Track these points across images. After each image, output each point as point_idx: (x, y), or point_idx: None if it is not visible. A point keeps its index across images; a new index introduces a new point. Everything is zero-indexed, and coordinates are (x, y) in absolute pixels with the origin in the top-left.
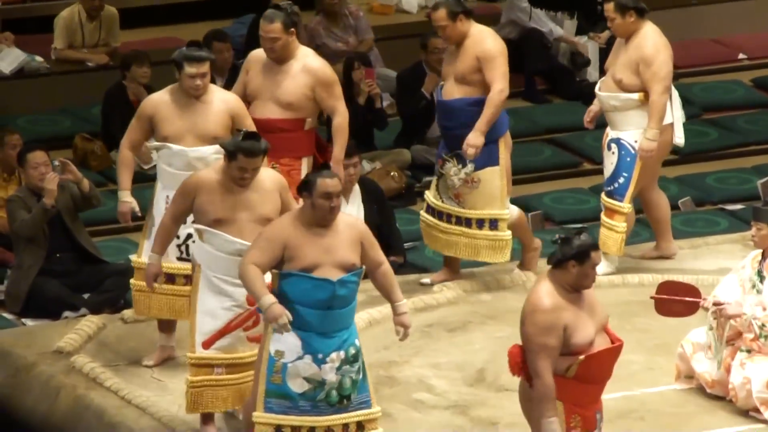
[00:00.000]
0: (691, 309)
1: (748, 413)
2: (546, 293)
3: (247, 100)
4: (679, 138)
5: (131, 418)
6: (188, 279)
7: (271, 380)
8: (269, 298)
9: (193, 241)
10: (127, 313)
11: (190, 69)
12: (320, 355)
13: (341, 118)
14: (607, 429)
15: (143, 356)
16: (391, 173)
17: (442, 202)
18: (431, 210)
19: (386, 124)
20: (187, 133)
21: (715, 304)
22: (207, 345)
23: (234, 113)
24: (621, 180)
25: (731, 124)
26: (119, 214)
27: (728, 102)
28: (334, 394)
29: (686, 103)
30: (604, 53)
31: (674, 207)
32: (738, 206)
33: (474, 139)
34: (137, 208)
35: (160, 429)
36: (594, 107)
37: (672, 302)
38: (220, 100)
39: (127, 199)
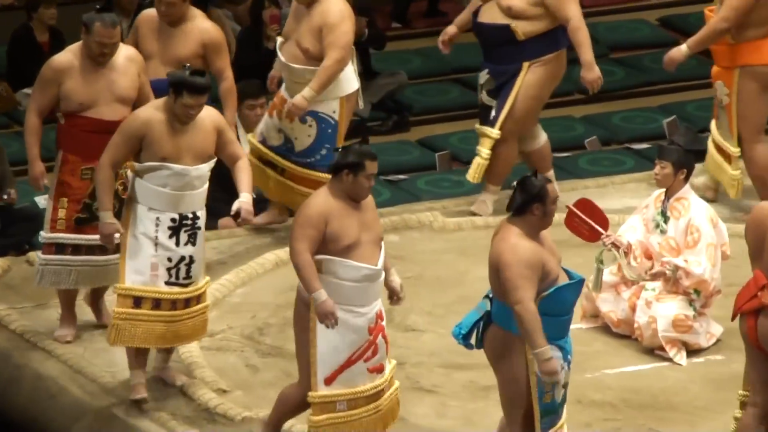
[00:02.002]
0: (592, 236)
1: (654, 352)
2: None
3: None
4: (362, 102)
5: (37, 361)
6: (173, 304)
7: (543, 401)
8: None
9: (186, 265)
10: (33, 255)
11: (189, 100)
12: (569, 357)
13: (229, 82)
14: None
15: (49, 299)
16: None
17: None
18: None
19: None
20: (185, 153)
21: (614, 243)
22: (329, 381)
23: (219, 128)
24: (324, 152)
25: (637, 63)
26: (104, 237)
27: (634, 41)
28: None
29: (593, 42)
30: None
31: (580, 146)
32: (644, 145)
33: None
34: (122, 230)
35: (67, 372)
36: (276, 72)
37: (581, 221)
38: (206, 116)
39: (111, 220)
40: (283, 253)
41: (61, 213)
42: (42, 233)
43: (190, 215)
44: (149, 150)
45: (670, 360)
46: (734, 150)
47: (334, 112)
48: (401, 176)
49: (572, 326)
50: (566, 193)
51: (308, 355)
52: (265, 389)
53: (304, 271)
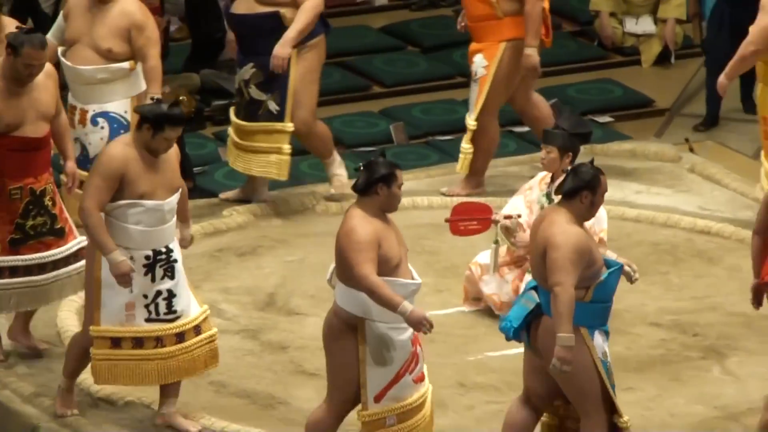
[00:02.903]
0: (484, 225)
1: None
2: None
3: None
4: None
5: None
6: (159, 341)
7: (611, 382)
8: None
9: (164, 299)
10: None
11: (171, 133)
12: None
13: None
14: None
15: None
16: (180, 97)
17: None
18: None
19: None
20: (160, 188)
21: (506, 217)
22: (379, 398)
23: (178, 156)
24: None
25: None
26: (122, 276)
27: None
28: None
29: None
30: None
31: (463, 129)
32: (526, 128)
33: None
34: (133, 267)
35: None
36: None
37: (466, 222)
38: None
39: (121, 259)
40: None
41: None
42: None
43: (164, 249)
44: (126, 189)
45: None
46: (471, 123)
47: (125, 111)
48: None
49: (454, 309)
50: (451, 176)
51: (346, 375)
52: None
53: (381, 290)
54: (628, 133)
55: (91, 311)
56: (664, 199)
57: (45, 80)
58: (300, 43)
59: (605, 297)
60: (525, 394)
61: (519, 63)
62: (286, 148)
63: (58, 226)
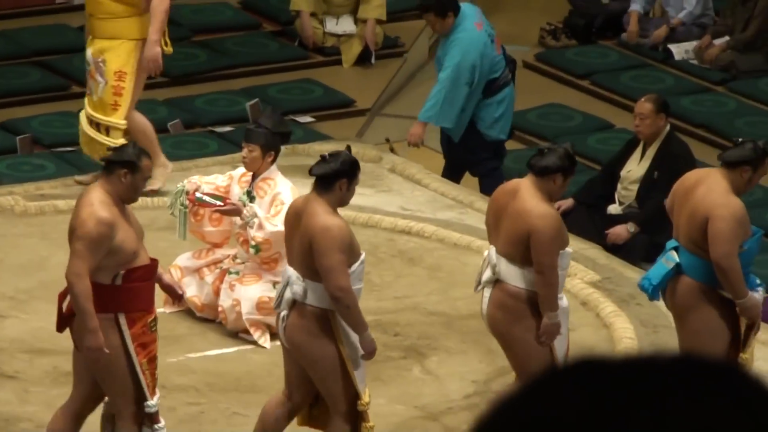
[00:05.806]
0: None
1: (238, 335)
2: None
3: None
4: None
5: None
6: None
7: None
8: None
9: None
10: None
11: (359, 175)
12: None
13: None
14: None
15: None
16: None
17: None
18: None
19: None
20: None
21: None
22: None
23: None
24: None
25: (220, 46)
26: (373, 353)
27: (217, 24)
28: None
29: (176, 25)
30: None
31: (164, 130)
32: (227, 128)
33: None
34: None
35: None
36: None
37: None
38: None
39: (372, 337)
40: None
41: (149, 377)
42: (148, 403)
43: None
44: (351, 254)
45: (254, 343)
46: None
47: None
48: None
49: (157, 311)
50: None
51: (537, 346)
52: None
53: (556, 288)
54: (329, 134)
55: (337, 396)
56: (366, 200)
57: None
58: None
59: (749, 262)
60: None
61: None
62: None
63: None
